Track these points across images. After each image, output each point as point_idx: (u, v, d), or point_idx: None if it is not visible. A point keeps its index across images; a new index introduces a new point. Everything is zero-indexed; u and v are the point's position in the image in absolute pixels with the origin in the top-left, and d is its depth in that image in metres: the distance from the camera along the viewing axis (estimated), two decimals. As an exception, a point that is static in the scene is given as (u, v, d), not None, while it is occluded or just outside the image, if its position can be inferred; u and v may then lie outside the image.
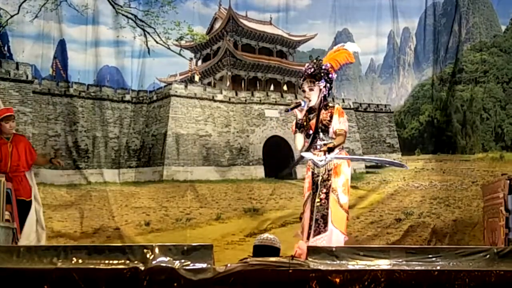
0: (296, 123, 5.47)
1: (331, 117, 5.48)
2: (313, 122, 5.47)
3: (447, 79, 11.19)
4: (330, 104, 5.64)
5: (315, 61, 5.60)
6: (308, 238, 5.29)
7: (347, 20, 11.29)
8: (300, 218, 5.61)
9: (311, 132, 5.47)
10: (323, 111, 5.50)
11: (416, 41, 12.01)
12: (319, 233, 5.27)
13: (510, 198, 6.53)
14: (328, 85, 5.56)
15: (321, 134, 5.47)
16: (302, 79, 5.57)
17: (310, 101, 5.49)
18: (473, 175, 10.54)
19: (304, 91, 5.52)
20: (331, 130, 5.47)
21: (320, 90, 5.52)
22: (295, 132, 5.50)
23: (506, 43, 11.32)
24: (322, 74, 5.50)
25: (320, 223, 5.28)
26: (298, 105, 5.41)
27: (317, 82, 5.49)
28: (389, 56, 12.04)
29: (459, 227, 9.98)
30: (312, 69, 5.50)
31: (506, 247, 5.61)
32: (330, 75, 5.57)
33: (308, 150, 5.50)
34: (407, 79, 12.07)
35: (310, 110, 5.54)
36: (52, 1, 10.55)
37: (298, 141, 5.50)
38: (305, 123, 5.50)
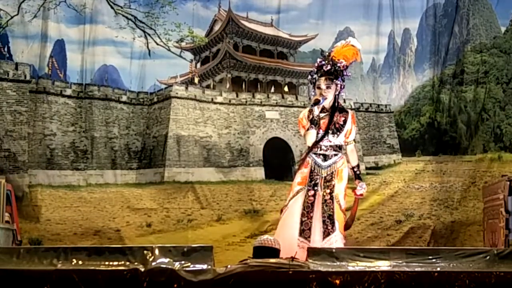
0: (312, 119, 5.34)
1: (344, 122, 5.42)
2: (324, 122, 5.38)
3: (446, 80, 11.19)
4: (345, 107, 5.59)
5: (326, 56, 5.41)
6: (300, 234, 5.26)
7: (348, 19, 11.29)
8: (281, 211, 5.53)
9: (320, 131, 5.40)
10: (337, 113, 5.40)
11: (417, 42, 12.01)
12: (328, 234, 5.25)
13: (510, 199, 6.51)
14: (343, 83, 5.46)
15: (330, 135, 5.41)
16: (317, 75, 5.36)
17: (326, 99, 5.34)
18: (472, 176, 10.54)
19: (319, 88, 5.34)
20: (342, 134, 5.42)
21: (336, 88, 5.45)
22: (307, 129, 5.31)
23: (506, 44, 11.32)
24: (339, 72, 5.37)
25: (328, 224, 5.26)
26: (317, 102, 5.32)
27: (334, 80, 5.34)
28: (389, 56, 12.04)
29: (456, 227, 9.99)
30: (329, 66, 5.33)
31: (506, 248, 5.60)
32: (345, 73, 5.43)
33: (314, 149, 5.44)
34: (407, 79, 12.07)
35: (321, 109, 5.36)
36: (50, 0, 10.58)
37: (311, 137, 5.30)
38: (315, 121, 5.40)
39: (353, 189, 5.51)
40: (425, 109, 11.45)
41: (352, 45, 5.57)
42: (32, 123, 10.40)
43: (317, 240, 5.20)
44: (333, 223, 5.24)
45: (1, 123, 10.13)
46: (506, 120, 10.92)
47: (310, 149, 5.37)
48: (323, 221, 5.25)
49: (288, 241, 5.12)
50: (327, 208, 5.29)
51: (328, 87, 5.35)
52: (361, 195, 5.53)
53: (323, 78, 5.35)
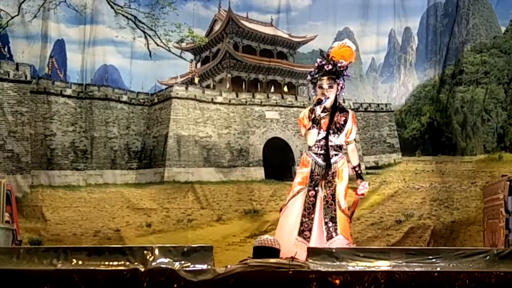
0: (314, 119, 5.34)
1: (345, 121, 5.44)
2: (325, 121, 5.41)
3: (445, 80, 11.19)
4: (345, 107, 5.62)
5: (326, 57, 5.45)
6: (299, 234, 5.27)
7: (348, 19, 11.29)
8: (281, 210, 5.54)
9: (321, 131, 5.41)
10: (337, 113, 5.44)
11: (418, 41, 12.00)
12: (331, 237, 5.25)
13: (510, 199, 6.51)
14: (344, 83, 5.49)
15: (330, 135, 5.42)
16: (319, 75, 5.40)
17: (328, 98, 5.38)
18: (472, 176, 10.53)
19: (321, 87, 5.38)
20: (342, 134, 5.44)
21: (337, 88, 5.45)
22: (309, 128, 5.35)
23: (506, 44, 11.31)
24: (340, 72, 5.41)
25: (330, 226, 5.27)
26: (320, 101, 5.34)
27: (336, 80, 5.40)
28: (390, 55, 12.03)
29: (456, 227, 9.99)
30: (331, 66, 5.38)
31: (506, 248, 5.60)
32: (345, 73, 5.48)
33: (314, 148, 5.44)
34: (408, 78, 12.05)
35: (321, 109, 5.40)
36: (50, 1, 10.58)
37: (313, 136, 5.35)
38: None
39: (354, 189, 5.52)
40: (425, 108, 11.44)
41: (348, 46, 5.61)
42: (33, 123, 10.40)
43: (317, 242, 5.20)
44: (335, 226, 5.25)
45: (4, 124, 10.14)
46: (508, 121, 10.90)
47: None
48: (325, 223, 5.26)
49: (287, 241, 5.13)
50: (329, 210, 5.30)
51: (330, 87, 5.39)
52: (362, 194, 5.55)
53: (325, 77, 5.39)
